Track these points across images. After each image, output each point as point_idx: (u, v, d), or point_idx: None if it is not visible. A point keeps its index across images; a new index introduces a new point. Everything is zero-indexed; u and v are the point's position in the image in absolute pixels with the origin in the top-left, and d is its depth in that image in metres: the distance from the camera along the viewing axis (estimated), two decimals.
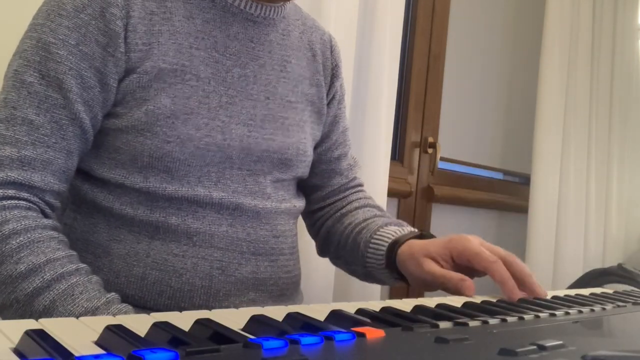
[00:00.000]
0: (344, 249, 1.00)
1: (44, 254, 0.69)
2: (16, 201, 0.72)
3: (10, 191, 0.72)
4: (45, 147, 0.74)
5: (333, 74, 1.02)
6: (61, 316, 0.66)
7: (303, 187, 1.03)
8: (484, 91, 2.29)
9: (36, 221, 0.71)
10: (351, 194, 1.07)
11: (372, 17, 1.59)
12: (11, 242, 0.68)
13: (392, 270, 0.92)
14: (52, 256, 0.69)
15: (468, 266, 0.84)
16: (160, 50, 0.79)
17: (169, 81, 0.79)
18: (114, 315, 0.66)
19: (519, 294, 0.76)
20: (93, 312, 0.66)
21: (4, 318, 0.69)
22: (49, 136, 0.74)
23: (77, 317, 0.65)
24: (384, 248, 0.92)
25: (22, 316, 0.67)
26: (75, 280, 0.68)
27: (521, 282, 0.78)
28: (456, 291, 0.80)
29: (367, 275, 0.98)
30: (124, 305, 0.69)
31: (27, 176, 0.72)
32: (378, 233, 0.94)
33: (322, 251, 1.09)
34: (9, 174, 0.71)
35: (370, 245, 0.94)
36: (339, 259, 1.05)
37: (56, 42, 0.75)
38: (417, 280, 0.88)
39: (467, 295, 0.78)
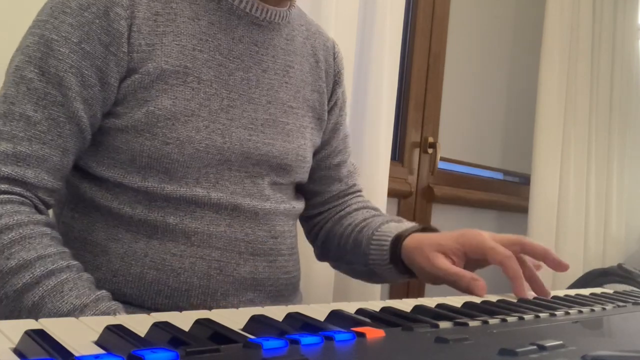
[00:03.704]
0: (345, 249, 1.00)
1: (35, 250, 0.68)
2: (9, 195, 0.71)
3: (3, 186, 0.71)
4: (41, 144, 0.74)
5: (335, 81, 1.02)
6: (49, 313, 0.65)
7: (302, 192, 1.03)
8: (484, 91, 2.29)
9: (29, 216, 0.71)
10: (350, 198, 1.07)
11: (372, 17, 1.59)
12: (3, 238, 0.68)
13: (396, 264, 0.92)
14: (43, 252, 0.68)
15: (477, 259, 0.84)
16: (163, 51, 0.79)
17: (170, 82, 0.79)
18: (102, 312, 0.66)
19: (526, 294, 0.78)
20: (81, 309, 0.66)
21: None
22: (45, 133, 0.74)
23: (65, 315, 0.64)
24: (388, 243, 0.92)
25: (11, 312, 0.67)
26: (65, 277, 0.68)
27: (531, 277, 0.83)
28: (467, 290, 0.81)
29: (370, 273, 0.98)
30: (114, 302, 0.68)
31: (20, 172, 0.72)
32: (380, 229, 0.94)
33: (321, 255, 1.09)
34: (2, 169, 0.71)
35: (373, 241, 0.94)
36: (339, 261, 1.05)
37: (58, 39, 0.74)
38: (425, 274, 0.88)
39: (478, 295, 0.79)
